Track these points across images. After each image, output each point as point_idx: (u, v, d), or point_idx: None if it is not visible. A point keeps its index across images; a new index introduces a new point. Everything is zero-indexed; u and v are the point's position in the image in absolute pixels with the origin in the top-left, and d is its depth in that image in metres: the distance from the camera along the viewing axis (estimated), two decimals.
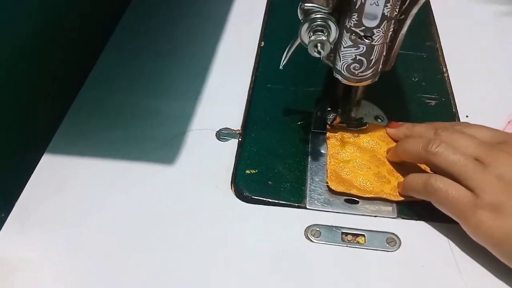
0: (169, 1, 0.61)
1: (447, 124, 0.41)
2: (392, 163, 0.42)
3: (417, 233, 0.38)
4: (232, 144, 0.45)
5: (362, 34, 0.35)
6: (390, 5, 0.34)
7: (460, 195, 0.34)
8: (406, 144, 0.40)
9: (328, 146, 0.43)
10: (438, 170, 0.37)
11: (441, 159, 0.36)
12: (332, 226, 0.38)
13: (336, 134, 0.44)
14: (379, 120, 0.45)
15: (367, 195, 0.40)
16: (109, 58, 0.54)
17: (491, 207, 0.33)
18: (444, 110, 0.47)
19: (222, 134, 0.45)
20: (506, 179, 0.34)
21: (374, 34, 0.35)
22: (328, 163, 0.42)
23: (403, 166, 0.41)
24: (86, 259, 0.37)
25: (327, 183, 0.40)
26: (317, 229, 0.38)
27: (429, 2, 0.59)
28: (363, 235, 0.38)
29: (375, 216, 0.39)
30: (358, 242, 0.38)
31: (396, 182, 0.40)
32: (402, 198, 0.39)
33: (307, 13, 0.34)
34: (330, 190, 0.40)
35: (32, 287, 0.36)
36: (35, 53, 0.47)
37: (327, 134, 0.44)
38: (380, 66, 0.38)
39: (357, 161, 0.42)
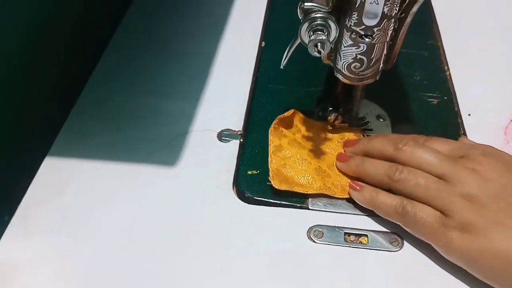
0: (170, 2, 0.61)
1: (405, 137, 0.40)
2: (332, 157, 0.43)
3: None
4: (234, 145, 0.44)
5: (362, 33, 0.35)
6: (390, 3, 0.33)
7: (428, 216, 0.34)
8: (367, 168, 0.39)
9: (270, 142, 0.43)
10: (404, 194, 0.36)
11: (405, 185, 0.36)
12: (334, 226, 0.38)
13: (277, 130, 0.44)
14: (381, 120, 0.45)
15: (310, 192, 0.40)
16: (111, 59, 0.54)
17: (460, 227, 0.33)
18: (446, 108, 0.47)
19: (224, 135, 0.45)
20: (472, 198, 0.34)
21: (374, 33, 0.35)
22: (269, 161, 0.42)
23: None
24: (88, 262, 0.37)
25: (269, 182, 0.40)
26: (320, 229, 0.38)
27: (430, 0, 0.59)
28: (366, 235, 0.38)
29: (378, 216, 0.38)
30: (361, 243, 0.37)
31: (337, 177, 0.41)
32: (346, 196, 0.40)
33: (307, 12, 0.34)
34: (273, 189, 0.40)
35: None
36: (35, 55, 0.47)
37: (269, 130, 0.44)
38: (381, 65, 0.38)
39: (297, 156, 0.42)
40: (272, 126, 0.44)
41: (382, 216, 0.37)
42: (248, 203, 0.40)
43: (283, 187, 0.40)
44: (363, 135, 0.44)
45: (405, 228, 0.36)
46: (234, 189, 0.41)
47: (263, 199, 0.40)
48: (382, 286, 0.35)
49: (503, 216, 0.33)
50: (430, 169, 0.36)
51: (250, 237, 0.38)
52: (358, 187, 0.39)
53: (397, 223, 0.37)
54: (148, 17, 0.59)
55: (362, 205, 0.38)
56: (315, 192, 0.40)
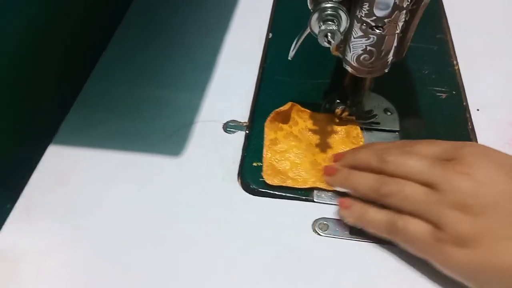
0: None
1: (390, 144, 0.38)
2: (328, 152, 0.42)
3: None
4: (239, 136, 0.44)
5: (373, 24, 0.35)
6: None
7: (421, 231, 0.32)
8: (353, 183, 0.37)
9: (265, 136, 0.43)
10: (394, 208, 0.34)
11: (393, 199, 0.34)
12: (340, 219, 0.38)
13: (273, 123, 0.43)
14: (389, 113, 0.45)
15: (303, 186, 0.40)
16: (116, 50, 0.53)
17: (455, 241, 0.31)
18: (455, 103, 0.46)
19: (229, 126, 0.45)
20: (465, 207, 0.31)
21: (385, 24, 0.34)
22: (264, 155, 0.42)
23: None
24: (91, 250, 0.37)
25: (262, 177, 0.40)
26: (325, 222, 0.38)
27: None
28: None
29: None
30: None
31: None
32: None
33: (317, 2, 0.34)
34: (266, 184, 0.40)
35: (37, 276, 0.35)
36: (41, 45, 0.47)
37: (265, 122, 0.43)
38: (391, 57, 0.38)
39: (293, 150, 0.42)
40: (268, 119, 0.43)
41: (373, 234, 0.35)
42: (253, 195, 0.40)
43: (275, 182, 0.40)
44: (361, 129, 0.43)
45: (400, 245, 0.34)
46: (239, 180, 0.41)
47: (268, 191, 0.40)
48: (387, 279, 0.35)
49: (502, 226, 0.30)
50: (419, 178, 0.33)
51: (255, 229, 0.38)
52: (347, 205, 0.37)
53: (390, 240, 0.35)
54: (154, 9, 0.58)
55: (351, 224, 0.37)
56: (308, 186, 0.39)
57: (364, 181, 0.36)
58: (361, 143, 0.42)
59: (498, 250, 0.30)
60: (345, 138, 0.43)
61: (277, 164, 0.41)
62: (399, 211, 0.34)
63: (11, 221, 0.39)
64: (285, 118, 0.44)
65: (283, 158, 0.42)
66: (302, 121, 0.44)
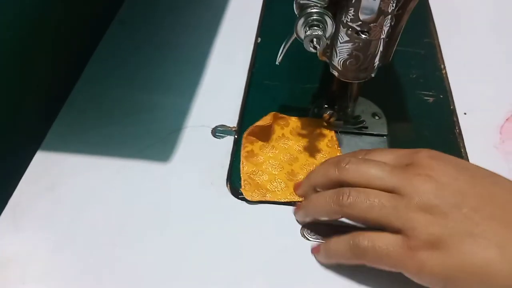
0: None
1: (346, 156, 0.37)
2: (305, 157, 0.42)
3: None
4: (228, 141, 0.44)
5: (358, 29, 0.35)
6: (387, 0, 0.33)
7: (390, 244, 0.31)
8: (315, 204, 0.36)
9: (242, 148, 0.42)
10: (358, 221, 0.33)
11: (357, 209, 0.32)
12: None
13: (249, 135, 0.43)
14: (377, 117, 0.45)
15: (281, 199, 0.39)
16: (104, 53, 0.53)
17: (427, 245, 0.30)
18: (442, 107, 0.47)
19: (218, 131, 0.45)
20: (432, 208, 0.30)
21: (370, 29, 0.35)
22: (241, 167, 0.41)
23: (315, 159, 0.42)
24: (78, 256, 0.37)
25: (241, 193, 0.40)
26: (313, 227, 0.38)
27: None
28: None
29: None
30: None
31: None
32: None
33: (303, 7, 0.34)
34: (246, 200, 0.39)
35: (24, 282, 0.35)
36: (27, 49, 0.47)
37: (243, 135, 0.43)
38: (377, 62, 0.38)
39: (270, 161, 0.42)
40: (246, 131, 0.43)
41: (348, 265, 0.34)
42: (242, 200, 0.40)
43: (255, 197, 0.39)
44: (336, 132, 0.44)
45: (371, 266, 0.32)
46: (228, 185, 0.41)
47: None
48: (376, 283, 0.35)
49: (470, 224, 0.29)
50: (380, 184, 0.32)
51: (243, 233, 0.38)
52: (317, 250, 0.36)
53: (362, 264, 0.33)
54: (144, 12, 0.58)
55: (329, 265, 0.35)
56: (286, 200, 0.39)
57: (325, 197, 0.34)
58: (336, 146, 0.43)
59: (474, 250, 0.29)
60: (320, 142, 0.43)
61: (255, 176, 0.41)
62: (365, 222, 0.33)
63: None
64: (265, 133, 0.43)
65: (260, 170, 0.41)
66: (279, 128, 0.44)
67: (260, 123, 0.42)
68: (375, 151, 0.36)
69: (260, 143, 0.43)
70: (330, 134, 0.43)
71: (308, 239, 0.37)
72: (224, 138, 0.44)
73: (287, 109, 0.46)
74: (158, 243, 0.37)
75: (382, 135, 0.44)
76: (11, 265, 0.36)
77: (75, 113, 0.47)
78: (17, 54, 0.45)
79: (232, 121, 0.46)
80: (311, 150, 0.42)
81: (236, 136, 0.44)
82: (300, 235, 0.38)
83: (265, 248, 0.37)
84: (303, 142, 0.43)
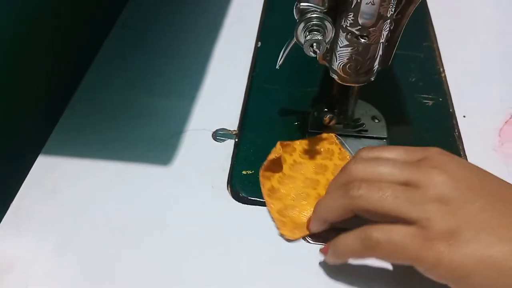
0: (166, 0, 0.61)
1: (355, 158, 0.36)
2: (324, 177, 0.40)
3: None
4: (229, 145, 0.44)
5: (358, 33, 0.35)
6: (386, 4, 0.33)
7: (406, 236, 0.30)
8: (325, 206, 0.35)
9: (261, 187, 0.40)
10: (370, 214, 0.32)
11: (368, 200, 0.31)
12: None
13: (265, 171, 0.40)
14: (376, 121, 0.45)
15: None
16: (106, 57, 0.53)
17: (445, 236, 0.29)
18: (441, 110, 0.47)
19: (219, 135, 0.45)
20: (449, 200, 0.30)
21: (370, 33, 0.35)
22: (269, 208, 0.39)
23: (333, 176, 0.38)
24: (80, 260, 0.37)
25: (281, 234, 0.38)
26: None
27: (426, 2, 0.59)
28: None
29: None
30: None
31: None
32: None
33: (303, 12, 0.34)
34: (288, 240, 0.37)
35: (27, 286, 0.35)
36: (29, 52, 0.47)
37: (260, 172, 0.40)
38: (377, 66, 0.38)
39: (293, 193, 0.40)
40: (261, 170, 0.41)
41: (356, 259, 0.34)
42: (243, 203, 0.40)
43: (297, 235, 0.37)
44: (339, 141, 0.43)
45: (382, 260, 0.32)
46: (229, 189, 0.41)
47: (258, 199, 0.40)
48: (379, 285, 0.35)
49: (486, 217, 0.29)
50: (392, 179, 0.32)
51: (244, 237, 0.38)
52: (325, 249, 0.35)
53: (372, 258, 0.32)
54: (144, 16, 0.59)
55: (337, 264, 0.35)
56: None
57: (334, 195, 0.34)
58: (348, 157, 0.42)
59: (488, 242, 0.28)
60: (332, 158, 0.42)
61: (287, 213, 0.39)
62: (376, 216, 0.31)
63: (0, 231, 0.39)
64: (278, 165, 0.41)
65: (288, 204, 0.39)
66: (288, 155, 0.42)
67: (271, 156, 0.40)
68: (385, 148, 0.35)
69: (276, 175, 0.41)
70: (336, 148, 0.43)
71: (309, 242, 0.37)
72: (225, 141, 0.45)
73: (288, 113, 0.46)
74: (159, 246, 0.37)
75: (381, 138, 0.44)
76: (13, 269, 0.36)
77: (76, 117, 0.47)
78: (18, 55, 0.45)
79: (232, 124, 0.46)
80: (326, 168, 0.41)
81: (236, 140, 0.45)
82: (301, 238, 0.38)
83: (266, 251, 0.37)
84: (315, 162, 0.42)
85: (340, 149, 0.43)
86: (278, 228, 0.38)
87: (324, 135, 0.43)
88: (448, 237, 0.29)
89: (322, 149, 0.43)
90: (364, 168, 0.33)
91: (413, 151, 0.34)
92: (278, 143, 0.41)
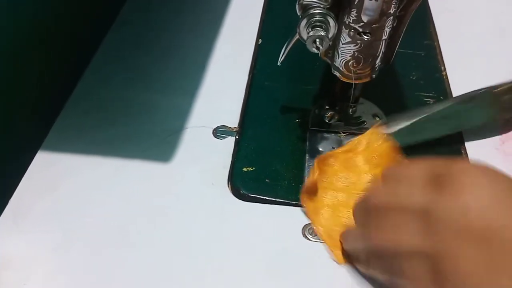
0: None
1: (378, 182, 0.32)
2: (359, 186, 0.39)
3: None
4: (229, 142, 0.44)
5: (361, 30, 0.35)
6: (389, 1, 0.33)
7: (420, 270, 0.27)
8: (347, 240, 0.35)
9: (306, 212, 0.38)
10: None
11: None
12: None
13: (306, 197, 0.38)
14: (377, 118, 0.45)
15: None
16: (106, 54, 0.53)
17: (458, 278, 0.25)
18: None
19: (219, 132, 0.45)
20: (467, 231, 0.25)
21: (373, 30, 0.35)
22: (318, 232, 0.37)
23: None
24: (79, 257, 0.36)
25: (336, 261, 0.36)
26: (315, 227, 0.38)
27: (427, 0, 0.59)
28: None
29: None
30: None
31: None
32: None
33: (305, 8, 0.34)
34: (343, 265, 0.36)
35: (26, 284, 0.35)
36: (28, 50, 0.47)
37: (300, 199, 0.39)
38: (379, 63, 0.38)
39: (333, 209, 0.38)
40: (302, 195, 0.38)
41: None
42: (243, 200, 0.40)
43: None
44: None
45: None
46: (229, 186, 0.41)
47: (258, 196, 0.40)
48: (381, 283, 0.35)
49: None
50: (409, 207, 0.28)
51: (245, 234, 0.38)
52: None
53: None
54: (145, 13, 0.58)
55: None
56: None
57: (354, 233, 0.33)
58: (384, 144, 0.39)
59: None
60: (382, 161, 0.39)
61: (334, 234, 0.37)
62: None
63: None
64: (315, 187, 0.39)
65: (334, 224, 0.37)
66: (328, 168, 0.40)
67: (309, 182, 0.38)
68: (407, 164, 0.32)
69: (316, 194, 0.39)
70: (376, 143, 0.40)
71: (309, 239, 0.37)
72: (225, 138, 0.44)
73: (289, 110, 0.46)
74: (160, 243, 0.37)
75: None
76: (12, 266, 0.36)
77: (76, 113, 0.47)
78: (16, 53, 0.45)
79: (233, 122, 0.46)
80: (367, 167, 0.40)
81: (237, 137, 0.44)
82: (302, 235, 0.38)
83: (267, 248, 0.37)
84: (350, 172, 0.40)
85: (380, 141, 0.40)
86: (334, 257, 0.36)
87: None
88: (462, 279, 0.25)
89: (359, 157, 0.40)
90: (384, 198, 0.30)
91: (434, 167, 0.28)
92: (315, 161, 0.39)
